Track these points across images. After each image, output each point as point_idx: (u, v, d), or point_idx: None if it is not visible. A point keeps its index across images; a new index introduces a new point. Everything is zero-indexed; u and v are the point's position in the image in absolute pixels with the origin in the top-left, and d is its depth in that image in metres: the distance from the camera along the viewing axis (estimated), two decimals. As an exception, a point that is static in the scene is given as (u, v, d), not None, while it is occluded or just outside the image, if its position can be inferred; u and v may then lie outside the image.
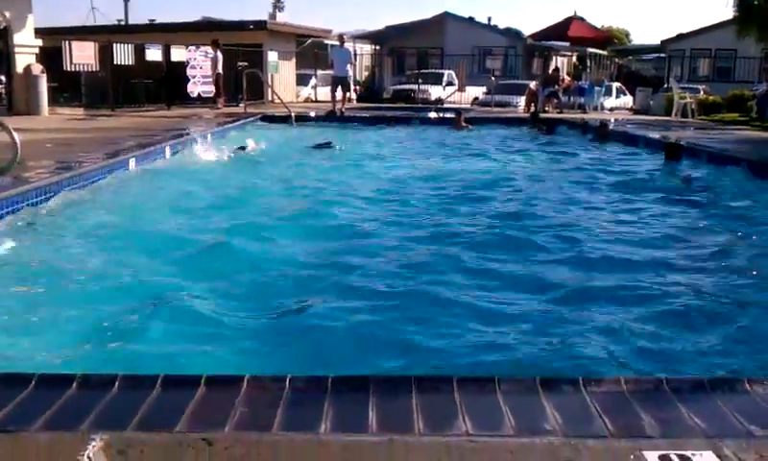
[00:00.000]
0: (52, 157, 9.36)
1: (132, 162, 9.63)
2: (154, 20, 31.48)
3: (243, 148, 12.58)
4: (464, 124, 17.55)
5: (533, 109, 22.58)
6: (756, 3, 21.83)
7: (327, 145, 13.52)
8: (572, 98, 25.30)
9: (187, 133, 13.00)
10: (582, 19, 46.82)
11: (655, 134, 15.06)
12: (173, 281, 4.92)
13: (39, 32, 18.66)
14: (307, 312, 4.48)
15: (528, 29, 47.17)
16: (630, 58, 48.75)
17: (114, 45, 20.06)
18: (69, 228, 6.42)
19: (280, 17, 30.98)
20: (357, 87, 30.45)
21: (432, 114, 21.03)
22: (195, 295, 4.62)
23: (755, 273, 5.51)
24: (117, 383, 2.57)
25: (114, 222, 6.71)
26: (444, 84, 31.28)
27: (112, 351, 3.77)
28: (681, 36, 38.97)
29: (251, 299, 4.69)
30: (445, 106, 25.68)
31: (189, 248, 5.85)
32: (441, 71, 33.16)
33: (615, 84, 31.19)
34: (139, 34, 25.96)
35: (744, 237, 6.78)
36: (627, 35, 61.66)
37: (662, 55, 40.17)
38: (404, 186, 9.54)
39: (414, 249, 6.06)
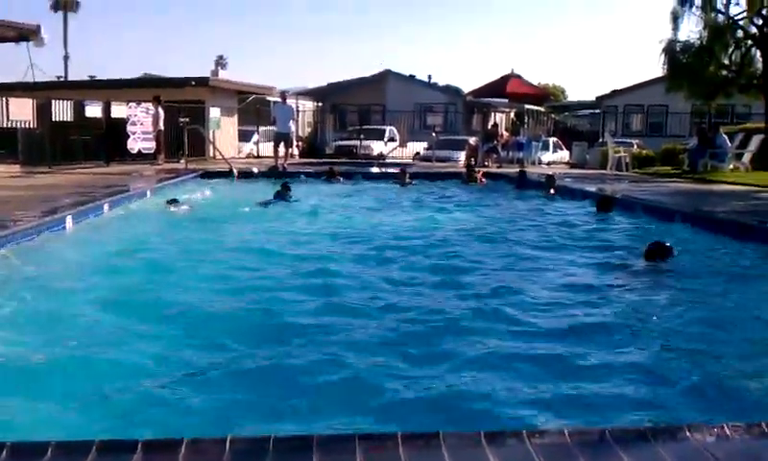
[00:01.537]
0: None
1: (68, 220, 9.42)
2: (94, 77, 31.20)
3: (175, 201, 12.34)
4: (407, 179, 17.72)
5: (473, 162, 22.94)
6: (684, 61, 22.82)
7: (285, 193, 13.35)
8: (511, 153, 25.85)
9: (127, 190, 12.80)
10: (519, 77, 48.27)
11: (591, 188, 15.44)
12: (95, 344, 4.77)
13: (-26, 88, 18.34)
14: (234, 369, 4.41)
15: (467, 86, 48.18)
16: (566, 113, 50.15)
17: (53, 102, 19.80)
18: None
19: (223, 74, 31.01)
20: (300, 143, 30.55)
21: (375, 169, 21.20)
22: (120, 354, 4.51)
23: (687, 320, 5.65)
24: (50, 450, 2.47)
25: (45, 282, 6.51)
26: (385, 139, 31.63)
27: (45, 417, 3.63)
28: (615, 93, 40.35)
29: (183, 355, 4.59)
30: (388, 161, 25.95)
31: (121, 307, 5.68)
32: (383, 127, 33.56)
33: (552, 139, 32.02)
34: (79, 90, 25.69)
35: (679, 287, 6.96)
36: (563, 91, 63.51)
37: (597, 110, 41.45)
38: (347, 240, 9.49)
39: (355, 301, 6.03)
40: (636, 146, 27.63)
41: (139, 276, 6.98)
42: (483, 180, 18.36)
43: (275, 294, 6.32)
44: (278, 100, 22.73)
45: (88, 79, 31.46)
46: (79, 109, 20.81)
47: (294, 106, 25.48)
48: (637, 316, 5.76)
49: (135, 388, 4.03)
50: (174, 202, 12.28)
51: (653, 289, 6.92)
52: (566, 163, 28.78)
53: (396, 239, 9.65)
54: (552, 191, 15.14)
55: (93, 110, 21.32)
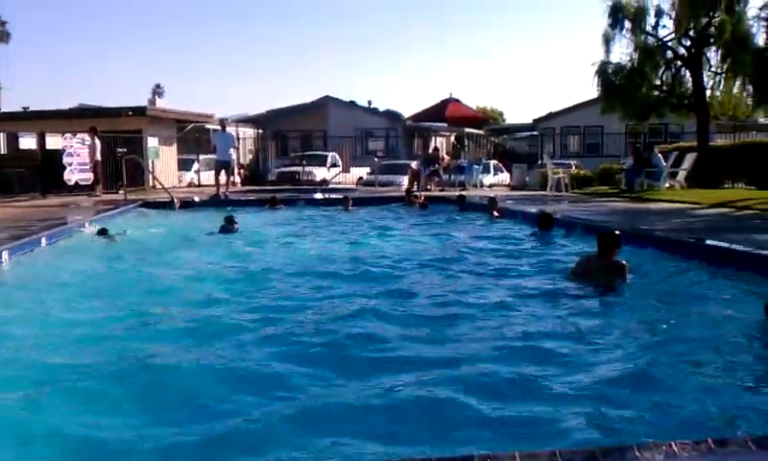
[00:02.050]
0: None
1: (4, 255, 9.14)
2: (28, 108, 30.46)
3: (105, 231, 12.08)
4: (350, 205, 17.70)
5: (414, 187, 23.11)
6: (617, 82, 23.45)
7: (230, 222, 13.10)
8: (453, 176, 26.12)
9: (64, 223, 12.47)
10: (458, 101, 48.92)
11: (533, 208, 15.67)
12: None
13: None
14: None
15: (407, 110, 48.60)
16: (505, 136, 50.95)
17: (-16, 134, 19.31)
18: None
19: (160, 103, 30.61)
20: (241, 171, 30.35)
21: (318, 195, 21.16)
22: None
23: (633, 339, 5.74)
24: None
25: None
26: (328, 165, 31.68)
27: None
28: (551, 115, 41.21)
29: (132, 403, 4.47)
30: (331, 187, 25.94)
31: (57, 348, 5.53)
32: (325, 153, 33.60)
33: (493, 162, 32.47)
34: (13, 121, 25.09)
35: (622, 305, 7.10)
36: (501, 114, 64.58)
37: (535, 133, 42.20)
38: (298, 268, 9.41)
39: (307, 330, 5.98)
40: (574, 167, 28.20)
41: (75, 311, 6.80)
42: (424, 202, 18.51)
43: (223, 325, 6.22)
44: (218, 128, 22.58)
45: (22, 110, 30.73)
46: (13, 140, 20.30)
47: (234, 133, 25.33)
48: (582, 337, 5.80)
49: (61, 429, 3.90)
50: (104, 232, 12.03)
51: (598, 308, 7.03)
52: (507, 185, 29.21)
53: (342, 266, 9.60)
54: (496, 213, 15.30)
55: (28, 142, 20.83)
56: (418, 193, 20.34)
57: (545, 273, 8.74)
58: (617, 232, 8.02)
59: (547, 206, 16.37)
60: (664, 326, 6.22)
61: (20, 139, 20.71)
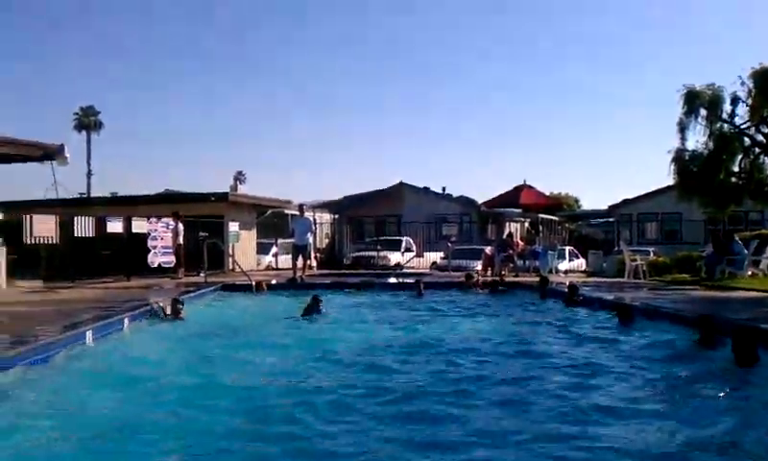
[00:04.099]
0: (7, 332, 9.22)
1: (88, 335, 9.50)
2: (116, 193, 31.93)
3: (178, 312, 12.47)
4: (422, 290, 17.75)
5: (488, 272, 23.04)
6: (694, 170, 23.07)
7: (315, 301, 13.35)
8: (527, 262, 25.90)
9: (147, 305, 12.88)
10: (531, 187, 48.81)
11: (610, 296, 15.38)
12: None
13: (1, 206, 18.83)
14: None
15: (481, 196, 48.77)
16: (580, 223, 50.45)
17: (75, 218, 20.22)
18: (22, 403, 6.28)
19: (241, 189, 31.69)
20: (318, 255, 30.83)
21: (392, 279, 21.30)
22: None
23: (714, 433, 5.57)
24: None
25: (69, 399, 6.55)
26: (402, 249, 31.93)
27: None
28: (626, 202, 40.70)
29: None
30: (405, 271, 26.07)
31: (143, 429, 5.71)
32: (399, 238, 33.91)
33: (568, 248, 32.09)
34: (101, 207, 26.26)
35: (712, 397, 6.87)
36: (576, 200, 64.02)
37: (611, 219, 41.67)
38: (375, 352, 9.49)
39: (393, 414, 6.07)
40: (652, 253, 27.65)
41: (163, 392, 7.02)
42: (483, 283, 19.06)
43: (314, 403, 6.48)
44: (296, 213, 23.09)
45: (110, 195, 32.20)
46: (101, 224, 21.20)
47: (311, 218, 25.89)
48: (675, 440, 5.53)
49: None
50: (178, 312, 12.45)
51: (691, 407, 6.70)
52: (583, 272, 28.77)
53: (416, 350, 9.63)
54: (575, 300, 15.05)
55: (115, 226, 21.71)
56: (477, 277, 20.26)
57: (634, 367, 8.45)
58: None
59: (625, 294, 16.07)
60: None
61: (108, 223, 21.58)
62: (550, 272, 25.33)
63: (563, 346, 10.20)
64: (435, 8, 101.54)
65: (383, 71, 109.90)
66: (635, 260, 23.65)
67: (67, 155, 19.50)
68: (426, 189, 43.74)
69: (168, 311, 12.54)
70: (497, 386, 7.37)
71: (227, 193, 27.30)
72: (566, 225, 48.11)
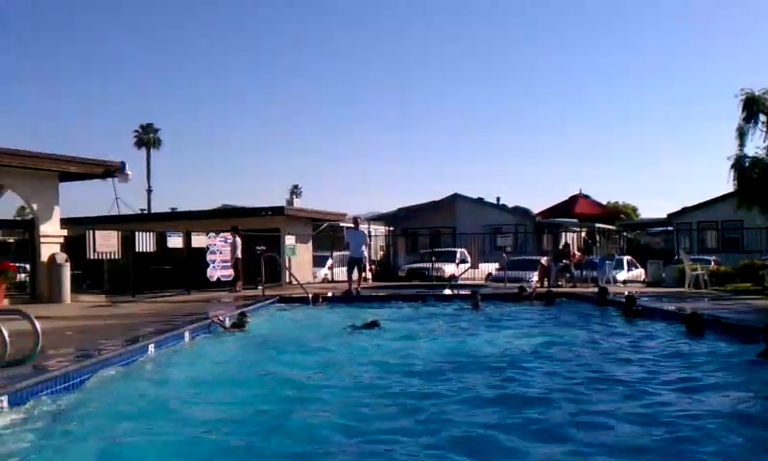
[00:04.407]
0: (72, 345, 9.51)
1: (151, 348, 9.74)
2: (175, 209, 32.62)
3: (241, 325, 12.74)
4: (480, 302, 17.64)
5: (545, 283, 22.83)
6: (754, 177, 22.47)
7: (374, 325, 13.42)
8: (584, 272, 25.58)
9: (206, 318, 13.12)
10: (587, 197, 48.17)
11: (671, 307, 15.08)
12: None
13: (65, 222, 19.42)
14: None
15: (536, 206, 48.28)
16: (638, 232, 49.58)
17: (137, 233, 20.69)
18: (88, 418, 6.47)
19: (297, 203, 32.03)
20: (373, 267, 30.96)
21: (447, 291, 21.28)
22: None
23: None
24: None
25: (133, 412, 6.73)
26: (457, 261, 31.84)
27: None
28: (685, 210, 39.82)
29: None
30: (459, 282, 25.99)
31: (208, 441, 5.85)
32: (453, 249, 33.80)
33: (626, 258, 31.53)
34: (161, 222, 26.86)
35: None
36: (635, 209, 62.87)
37: (670, 228, 40.86)
38: (436, 365, 9.49)
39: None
40: (713, 262, 27.03)
41: (234, 404, 7.18)
42: (533, 294, 19.09)
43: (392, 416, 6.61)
44: (351, 226, 23.25)
45: (170, 210, 32.89)
46: (161, 239, 21.66)
47: (366, 230, 26.01)
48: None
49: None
50: (241, 325, 12.78)
51: None
52: (642, 282, 28.26)
53: (476, 362, 9.64)
54: (633, 311, 14.79)
55: (175, 241, 22.14)
56: (529, 289, 20.06)
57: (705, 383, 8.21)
58: None
59: (687, 304, 15.75)
60: None
61: (168, 238, 22.04)
62: (608, 282, 24.98)
63: (641, 360, 9.87)
64: (481, 20, 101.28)
65: (437, 83, 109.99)
66: (695, 269, 23.15)
67: (128, 172, 20.06)
68: (480, 200, 43.53)
69: (227, 324, 12.78)
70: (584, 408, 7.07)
71: (283, 207, 27.68)
72: (624, 234, 47.35)
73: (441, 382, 8.26)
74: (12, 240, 29.68)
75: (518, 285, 20.67)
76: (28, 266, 19.24)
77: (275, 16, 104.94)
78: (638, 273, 30.19)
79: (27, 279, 19.50)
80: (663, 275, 26.50)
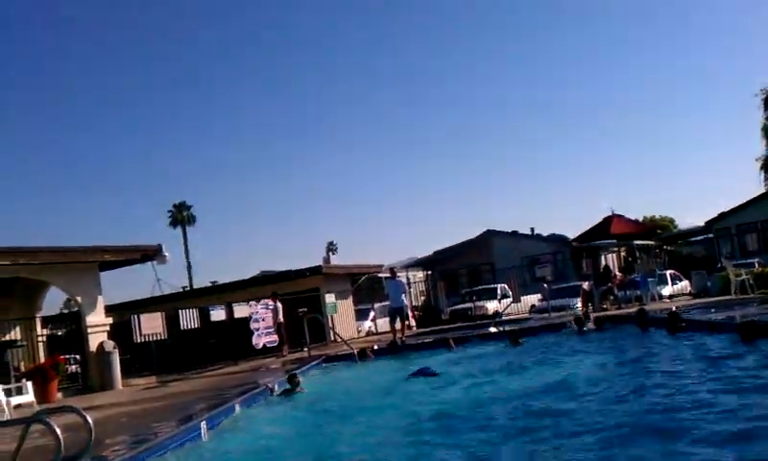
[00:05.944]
0: (127, 431, 9.66)
1: (203, 426, 9.79)
2: (215, 282, 33.04)
3: (291, 390, 12.80)
4: (519, 340, 17.41)
5: (589, 307, 22.63)
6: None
7: (432, 374, 13.40)
8: (628, 292, 25.27)
9: (255, 387, 13.20)
10: (621, 216, 47.79)
11: (719, 316, 14.85)
12: None
13: (109, 309, 19.81)
14: None
15: (570, 231, 47.89)
16: (679, 242, 48.92)
17: (180, 311, 21.02)
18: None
19: (334, 260, 32.25)
20: (415, 313, 30.91)
21: (493, 329, 21.20)
22: None
23: None
24: None
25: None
26: (498, 297, 31.73)
27: None
28: (723, 215, 39.07)
29: None
30: (504, 318, 25.85)
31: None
32: (494, 286, 33.71)
33: (669, 272, 31.15)
34: (203, 297, 27.20)
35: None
36: (672, 221, 61.95)
37: (710, 235, 40.23)
38: (498, 409, 9.37)
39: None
40: (757, 265, 26.58)
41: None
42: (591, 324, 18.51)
43: None
44: (388, 275, 23.33)
45: (210, 284, 33.30)
46: (204, 314, 21.95)
47: (404, 278, 26.05)
48: None
49: None
50: (291, 391, 12.79)
51: None
52: (689, 294, 27.88)
53: (538, 401, 9.52)
54: (679, 327, 14.58)
55: (218, 314, 22.43)
56: (580, 314, 19.86)
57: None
58: None
59: (734, 312, 15.50)
60: None
61: (211, 312, 22.34)
62: (653, 299, 24.68)
63: (680, 380, 9.72)
64: (497, 48, 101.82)
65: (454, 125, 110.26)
66: (739, 275, 22.78)
67: (166, 254, 20.44)
68: (515, 233, 43.39)
69: (276, 390, 12.88)
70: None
71: (320, 266, 27.80)
72: (665, 247, 46.74)
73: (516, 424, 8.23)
74: (60, 333, 30.26)
75: (573, 317, 19.94)
76: (78, 356, 19.61)
77: (283, 77, 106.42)
78: (683, 285, 29.79)
79: (78, 369, 19.87)
80: (708, 284, 26.12)
